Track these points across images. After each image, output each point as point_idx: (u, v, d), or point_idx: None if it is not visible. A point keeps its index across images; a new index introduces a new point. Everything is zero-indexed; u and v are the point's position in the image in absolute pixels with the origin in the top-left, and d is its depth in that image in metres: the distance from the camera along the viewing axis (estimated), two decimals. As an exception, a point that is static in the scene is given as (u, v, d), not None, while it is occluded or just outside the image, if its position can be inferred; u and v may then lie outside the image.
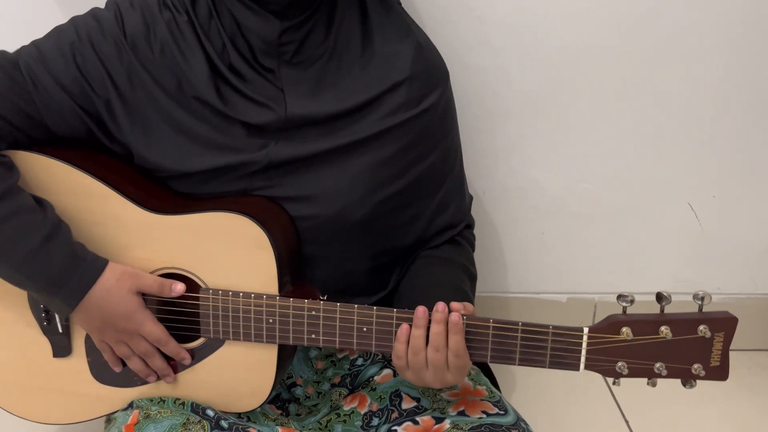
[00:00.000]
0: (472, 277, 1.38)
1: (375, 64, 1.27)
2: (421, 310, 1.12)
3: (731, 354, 1.10)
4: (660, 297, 1.09)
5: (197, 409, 1.23)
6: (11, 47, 1.24)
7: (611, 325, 1.09)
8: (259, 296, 1.19)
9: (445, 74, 1.36)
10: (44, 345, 1.28)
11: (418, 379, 1.15)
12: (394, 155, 1.28)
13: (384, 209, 1.29)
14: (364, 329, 1.17)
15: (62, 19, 1.25)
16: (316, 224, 1.26)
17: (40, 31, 1.25)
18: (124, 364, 1.27)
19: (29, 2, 1.58)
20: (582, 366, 1.11)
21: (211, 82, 1.22)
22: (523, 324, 1.11)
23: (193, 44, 1.22)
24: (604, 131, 1.73)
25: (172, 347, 1.24)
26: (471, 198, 1.48)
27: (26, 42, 1.24)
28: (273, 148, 1.24)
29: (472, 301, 1.31)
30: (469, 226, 1.46)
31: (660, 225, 1.87)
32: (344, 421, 1.31)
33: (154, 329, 1.21)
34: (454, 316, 1.11)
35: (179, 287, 1.21)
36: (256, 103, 1.23)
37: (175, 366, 1.27)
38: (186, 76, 1.22)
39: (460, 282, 1.33)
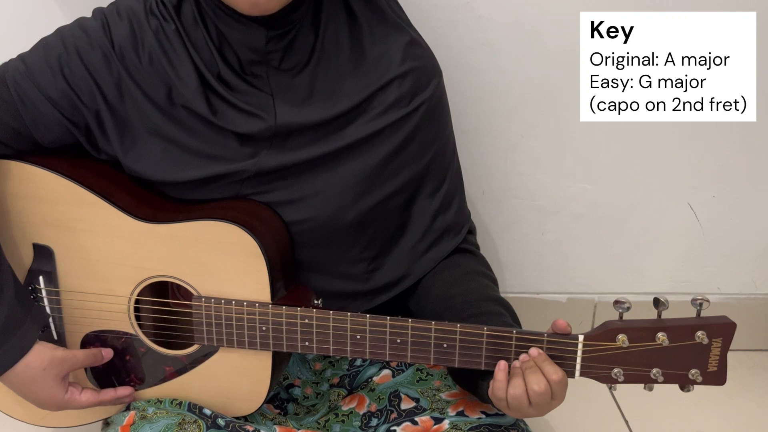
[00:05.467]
0: (496, 283, 1.36)
1: (365, 65, 1.25)
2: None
3: (731, 354, 1.09)
4: (657, 302, 1.08)
5: (194, 408, 1.24)
6: (11, 47, 1.23)
7: (607, 332, 1.08)
8: (251, 304, 1.19)
9: (437, 71, 1.34)
10: (41, 352, 1.29)
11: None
12: (387, 156, 1.26)
13: (378, 211, 1.28)
14: (358, 337, 1.16)
15: (62, 19, 1.25)
16: (309, 228, 1.25)
17: (40, 31, 1.24)
18: (112, 370, 1.28)
19: (29, 2, 1.57)
20: (577, 373, 1.11)
21: (200, 91, 1.21)
22: (518, 331, 1.11)
23: (182, 54, 1.21)
24: (604, 131, 1.72)
25: (109, 399, 1.27)
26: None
27: (25, 42, 1.23)
28: (263, 157, 1.23)
29: (511, 307, 1.29)
30: (471, 231, 1.44)
31: (660, 225, 1.87)
32: (342, 421, 1.31)
33: (84, 400, 1.24)
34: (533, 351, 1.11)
35: (107, 353, 1.27)
36: (245, 112, 1.22)
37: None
38: (175, 85, 1.21)
39: (495, 293, 1.31)
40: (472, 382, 1.22)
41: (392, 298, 1.34)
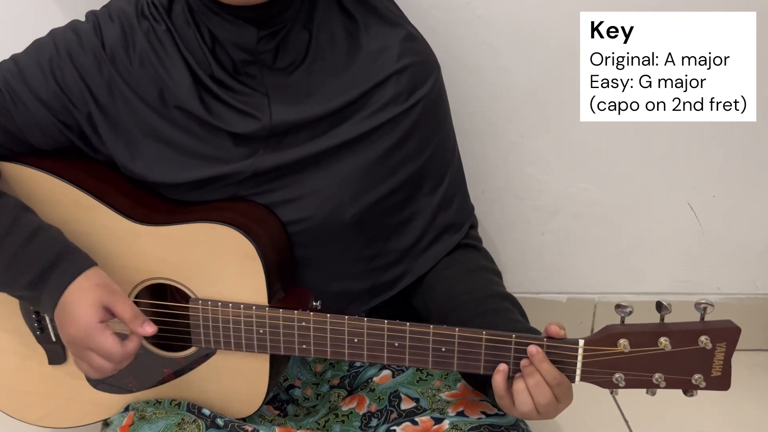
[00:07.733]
0: (500, 276, 1.36)
1: (361, 61, 1.24)
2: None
3: (731, 354, 1.09)
4: (660, 306, 1.06)
5: (193, 408, 1.23)
6: (11, 48, 1.23)
7: (608, 336, 1.07)
8: (248, 306, 1.18)
9: (435, 65, 1.33)
10: (40, 353, 1.28)
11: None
12: (385, 153, 1.25)
13: (378, 209, 1.27)
14: (355, 340, 1.16)
15: (62, 20, 1.25)
16: (307, 227, 1.25)
17: (39, 32, 1.24)
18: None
19: (29, 2, 1.57)
20: (578, 378, 1.10)
21: (193, 91, 1.20)
22: (517, 335, 1.10)
23: (174, 54, 1.21)
24: (604, 131, 1.72)
25: (132, 349, 1.14)
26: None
27: (25, 42, 1.23)
28: (259, 157, 1.22)
29: (516, 300, 1.29)
30: (473, 226, 1.43)
31: (660, 225, 1.86)
32: (342, 422, 1.31)
33: (109, 344, 1.11)
34: (532, 349, 1.10)
35: (150, 329, 1.12)
36: (240, 112, 1.21)
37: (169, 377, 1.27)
38: (168, 85, 1.21)
39: (501, 288, 1.31)
40: (481, 389, 1.23)
41: (396, 295, 1.34)
